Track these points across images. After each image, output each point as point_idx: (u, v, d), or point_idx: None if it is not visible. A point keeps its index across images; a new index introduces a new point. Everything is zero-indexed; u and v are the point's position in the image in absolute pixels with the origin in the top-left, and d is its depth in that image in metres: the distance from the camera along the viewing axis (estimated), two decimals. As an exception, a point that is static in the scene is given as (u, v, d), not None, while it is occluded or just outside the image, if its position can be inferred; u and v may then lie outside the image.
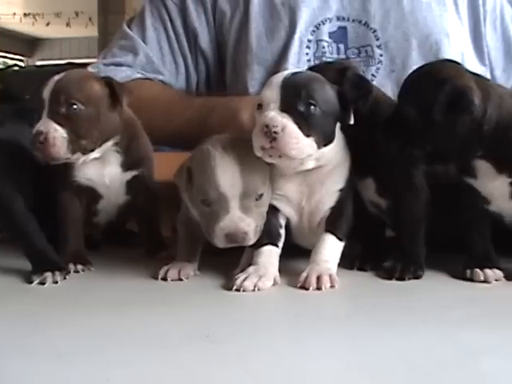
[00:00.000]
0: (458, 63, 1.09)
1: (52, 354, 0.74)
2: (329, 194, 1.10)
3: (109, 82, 1.19)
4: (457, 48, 1.61)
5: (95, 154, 1.19)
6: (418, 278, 1.07)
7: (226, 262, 1.09)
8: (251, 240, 1.03)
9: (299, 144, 1.00)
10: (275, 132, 0.98)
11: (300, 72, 1.09)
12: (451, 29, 1.61)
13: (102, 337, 0.80)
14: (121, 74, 1.57)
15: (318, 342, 0.77)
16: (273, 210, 1.09)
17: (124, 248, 1.37)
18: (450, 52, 1.58)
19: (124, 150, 1.23)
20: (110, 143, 1.20)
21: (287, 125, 0.99)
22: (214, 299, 0.98)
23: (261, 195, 1.05)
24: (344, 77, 1.10)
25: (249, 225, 1.02)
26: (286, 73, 1.06)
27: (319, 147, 1.03)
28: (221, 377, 0.67)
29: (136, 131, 1.27)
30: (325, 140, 1.04)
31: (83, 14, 6.98)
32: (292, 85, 1.02)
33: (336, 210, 1.10)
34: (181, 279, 1.07)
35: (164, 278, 1.08)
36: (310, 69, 1.16)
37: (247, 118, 1.29)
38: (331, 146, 1.06)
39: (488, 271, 1.06)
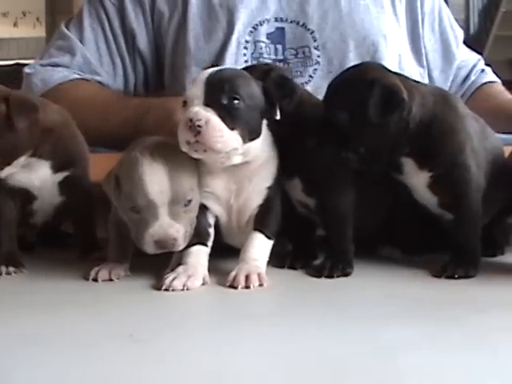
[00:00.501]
0: (380, 64, 1.12)
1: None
2: (257, 191, 1.10)
3: (7, 100, 1.11)
4: (394, 49, 1.63)
5: (10, 170, 1.16)
6: (346, 275, 1.08)
7: (157, 262, 1.09)
8: (180, 246, 1.04)
9: (224, 137, 1.00)
10: (199, 126, 0.99)
11: (224, 68, 1.11)
12: (388, 30, 1.63)
13: (30, 338, 0.79)
14: (58, 75, 1.56)
15: (245, 340, 0.78)
16: (202, 209, 1.09)
17: (59, 249, 1.37)
18: (387, 53, 1.60)
19: (49, 155, 1.20)
20: (24, 157, 1.16)
21: (211, 118, 1.00)
22: (143, 299, 0.99)
23: (190, 201, 1.05)
24: (268, 77, 1.10)
25: (178, 231, 1.03)
26: (210, 70, 1.07)
27: (245, 141, 1.03)
28: (141, 375, 0.67)
29: (62, 134, 1.22)
30: (250, 134, 1.04)
31: (31, 14, 6.84)
32: (216, 80, 1.03)
33: (264, 208, 1.11)
34: (111, 279, 1.08)
35: (95, 279, 1.07)
36: None
37: (182, 119, 1.29)
38: (258, 141, 1.06)
39: None
